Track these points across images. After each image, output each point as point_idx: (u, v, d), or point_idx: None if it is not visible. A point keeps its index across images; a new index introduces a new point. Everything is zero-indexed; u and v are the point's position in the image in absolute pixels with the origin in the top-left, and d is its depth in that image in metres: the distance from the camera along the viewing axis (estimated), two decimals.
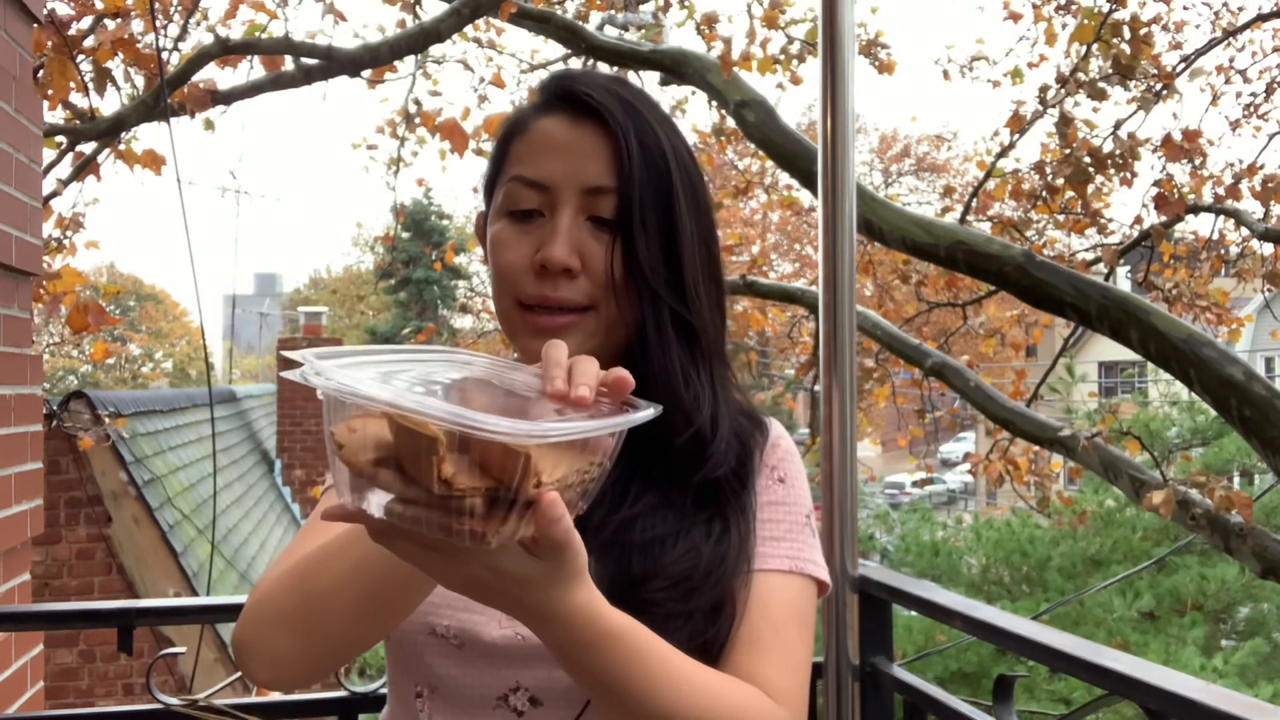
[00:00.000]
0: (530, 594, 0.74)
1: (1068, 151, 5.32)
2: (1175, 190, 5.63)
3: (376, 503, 0.68)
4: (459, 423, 0.63)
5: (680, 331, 0.99)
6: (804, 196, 8.24)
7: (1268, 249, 6.48)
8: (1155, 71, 5.44)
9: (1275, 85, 7.07)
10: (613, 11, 5.75)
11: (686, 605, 0.91)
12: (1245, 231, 6.31)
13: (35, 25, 2.64)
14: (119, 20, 4.07)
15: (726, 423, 1.00)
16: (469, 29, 5.25)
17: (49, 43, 3.67)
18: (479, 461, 0.65)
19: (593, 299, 0.98)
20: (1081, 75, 5.22)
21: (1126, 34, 4.94)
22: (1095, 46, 4.96)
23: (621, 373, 0.75)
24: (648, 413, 0.73)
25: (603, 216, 0.98)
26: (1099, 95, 5.15)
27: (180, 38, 4.90)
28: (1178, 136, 5.57)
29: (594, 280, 0.98)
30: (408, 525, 0.67)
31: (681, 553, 0.93)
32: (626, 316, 0.99)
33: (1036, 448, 5.89)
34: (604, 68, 5.46)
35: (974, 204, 6.08)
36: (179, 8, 4.82)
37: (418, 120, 5.78)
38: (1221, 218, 6.25)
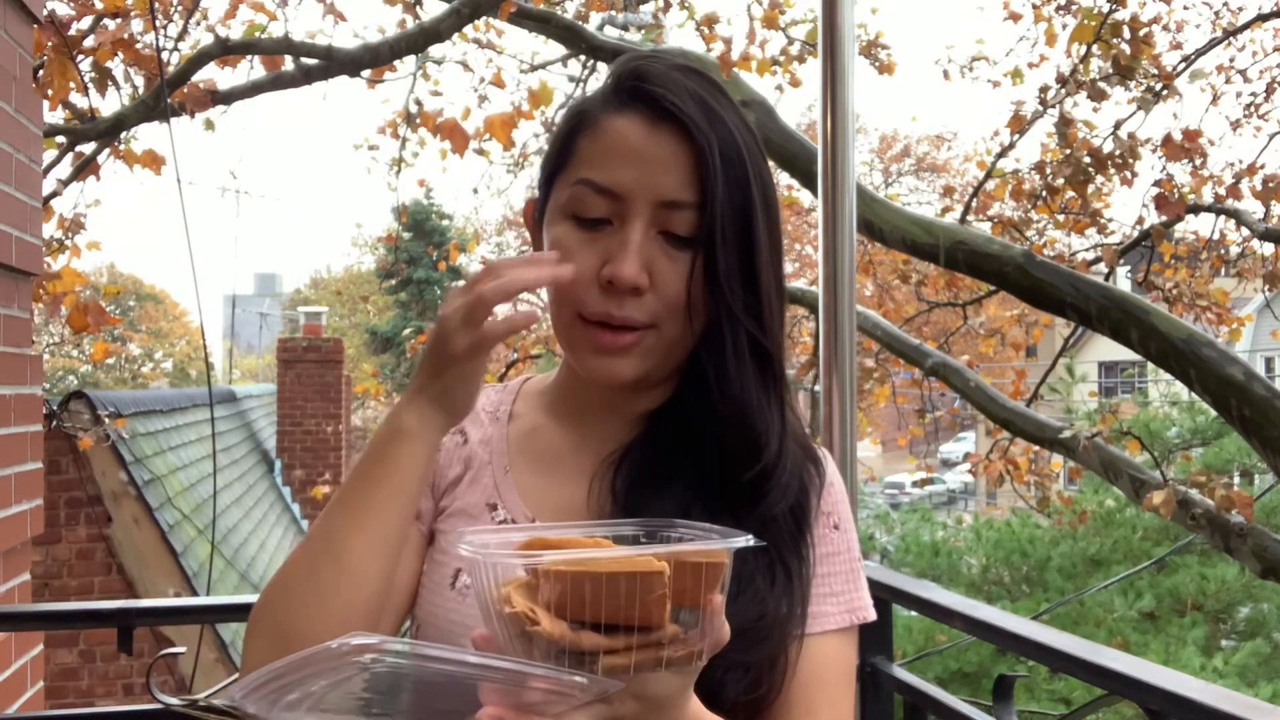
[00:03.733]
0: (667, 716, 0.76)
1: (1068, 152, 5.32)
2: (1175, 190, 5.63)
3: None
4: (683, 551, 0.71)
5: (755, 356, 0.94)
6: (804, 196, 8.24)
7: (1268, 249, 6.48)
8: (1155, 71, 5.44)
9: (1275, 85, 7.07)
10: (613, 12, 5.75)
11: (747, 657, 0.88)
12: (1245, 231, 6.31)
13: (35, 25, 2.64)
14: (119, 20, 4.07)
15: (790, 455, 0.96)
16: (469, 29, 5.24)
17: (49, 43, 3.67)
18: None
19: (656, 318, 0.93)
20: (1081, 75, 5.22)
21: (1126, 34, 4.94)
22: (1095, 46, 4.96)
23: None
24: (741, 539, 0.77)
25: (678, 234, 0.92)
26: (1099, 95, 5.15)
27: (180, 38, 4.90)
28: (1178, 136, 5.57)
29: (661, 299, 0.92)
30: (638, 670, 0.71)
31: (746, 602, 0.89)
32: (692, 335, 0.94)
33: (1036, 448, 5.90)
34: (605, 69, 5.46)
35: (974, 204, 6.08)
36: (179, 8, 4.82)
37: (418, 120, 5.78)
38: (1222, 218, 6.25)
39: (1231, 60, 7.17)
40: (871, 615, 1.02)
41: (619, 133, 0.94)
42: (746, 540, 0.74)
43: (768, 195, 0.96)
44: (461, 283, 0.91)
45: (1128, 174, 5.41)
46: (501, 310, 0.88)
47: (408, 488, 0.88)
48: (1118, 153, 5.27)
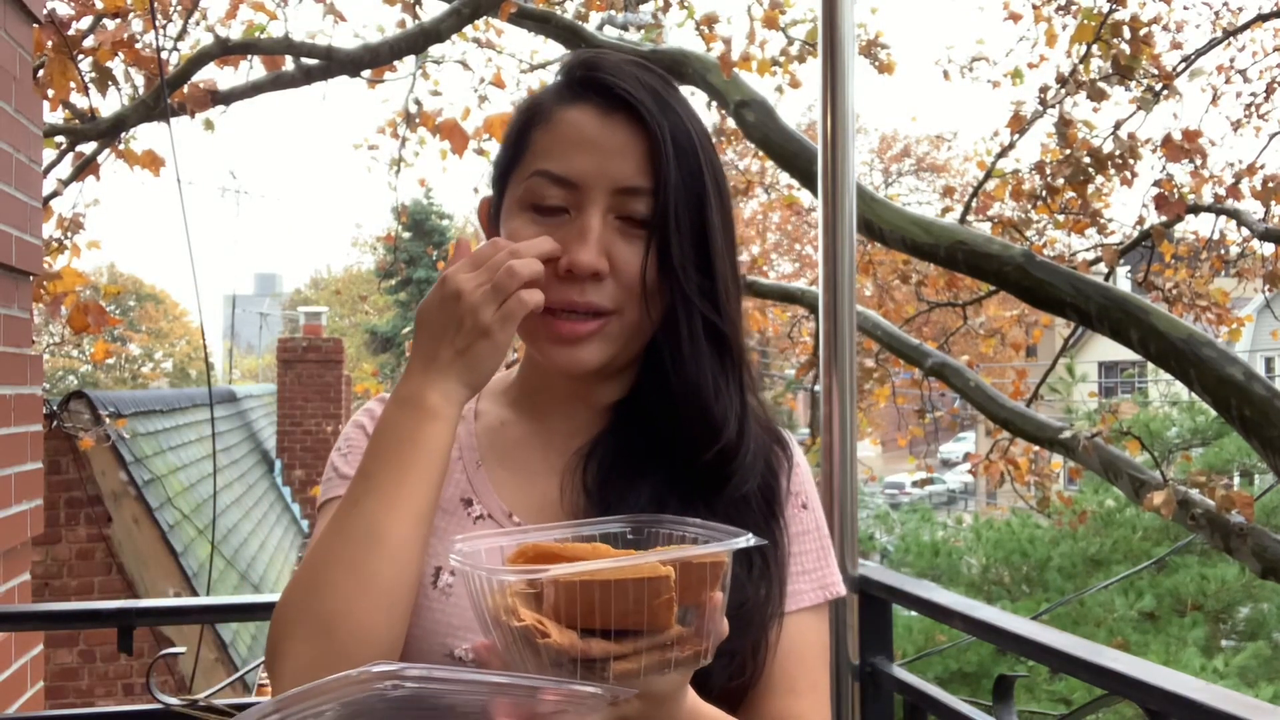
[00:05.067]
0: (667, 710, 0.77)
1: (1068, 152, 5.32)
2: (1175, 190, 5.63)
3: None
4: (689, 555, 0.72)
5: (711, 339, 0.95)
6: (804, 196, 8.24)
7: (1268, 249, 6.48)
8: (1155, 71, 5.44)
9: (1275, 85, 7.07)
10: (613, 11, 5.75)
11: (731, 644, 0.86)
12: (1245, 231, 6.31)
13: (35, 25, 2.64)
14: (119, 20, 4.07)
15: (752, 436, 0.97)
16: (469, 29, 5.24)
17: (49, 43, 3.67)
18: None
19: (618, 302, 0.94)
20: (1081, 75, 5.22)
21: (1126, 34, 4.94)
22: (1095, 46, 4.96)
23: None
24: (743, 539, 0.77)
25: (634, 216, 0.93)
26: (1099, 95, 5.15)
27: (180, 38, 4.91)
28: (1178, 136, 5.57)
29: (621, 283, 0.93)
30: (648, 673, 0.72)
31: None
32: (650, 321, 0.95)
33: (1036, 448, 5.90)
34: None
35: (974, 204, 6.09)
36: (179, 8, 4.82)
37: (418, 120, 5.78)
38: (1222, 218, 6.25)
39: (1231, 60, 7.17)
40: (842, 590, 1.03)
41: (573, 123, 0.95)
42: (748, 540, 0.75)
43: (721, 186, 0.98)
44: (446, 261, 0.94)
45: (1128, 174, 5.41)
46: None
47: (439, 465, 0.90)
48: (1118, 153, 5.27)
